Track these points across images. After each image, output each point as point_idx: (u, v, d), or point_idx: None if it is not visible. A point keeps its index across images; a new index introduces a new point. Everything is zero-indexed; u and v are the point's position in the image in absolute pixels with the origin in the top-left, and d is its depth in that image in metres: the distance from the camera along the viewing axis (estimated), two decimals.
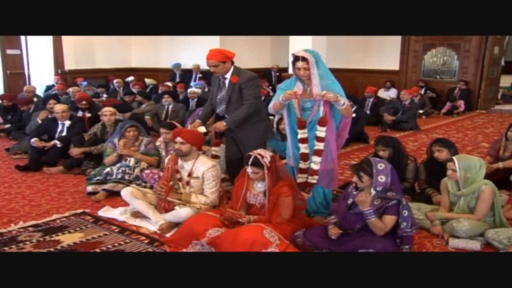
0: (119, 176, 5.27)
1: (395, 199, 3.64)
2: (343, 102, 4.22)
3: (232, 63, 4.82)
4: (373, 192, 3.70)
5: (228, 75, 4.81)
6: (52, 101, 7.78)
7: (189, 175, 4.53)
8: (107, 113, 6.51)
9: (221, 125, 4.84)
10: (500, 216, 4.15)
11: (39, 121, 7.50)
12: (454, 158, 4.18)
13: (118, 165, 5.41)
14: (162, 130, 5.76)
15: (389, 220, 3.66)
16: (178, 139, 4.45)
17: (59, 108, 6.95)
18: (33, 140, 6.58)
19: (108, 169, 5.38)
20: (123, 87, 11.86)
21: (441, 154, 4.70)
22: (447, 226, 4.09)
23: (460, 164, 4.08)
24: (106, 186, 5.23)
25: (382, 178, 3.63)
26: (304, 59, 4.28)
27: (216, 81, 4.98)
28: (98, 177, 5.34)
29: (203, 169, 4.48)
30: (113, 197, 5.15)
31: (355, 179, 3.78)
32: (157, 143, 5.91)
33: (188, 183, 4.53)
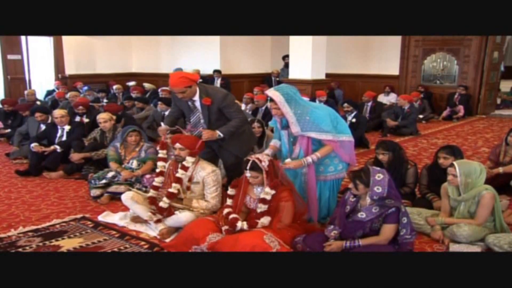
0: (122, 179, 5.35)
1: (394, 207, 3.63)
2: (310, 161, 4.14)
3: (197, 84, 4.69)
4: (368, 200, 3.71)
5: (196, 97, 4.69)
6: (38, 114, 7.46)
7: (189, 180, 4.52)
8: (101, 120, 6.50)
9: (215, 133, 4.63)
10: (501, 221, 4.13)
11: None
12: (455, 163, 4.17)
13: (122, 167, 5.51)
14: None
15: (390, 229, 3.66)
16: (177, 145, 4.44)
17: (58, 113, 6.93)
18: (32, 145, 6.57)
19: (112, 172, 5.41)
20: (123, 92, 11.90)
21: (446, 161, 4.66)
22: (448, 231, 4.08)
23: (461, 169, 4.07)
24: (109, 189, 5.28)
25: (378, 189, 3.62)
26: (272, 99, 4.19)
27: (183, 103, 4.84)
28: (103, 181, 5.35)
29: (203, 174, 4.49)
30: (114, 202, 5.15)
31: (351, 185, 3.78)
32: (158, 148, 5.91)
33: (188, 188, 4.53)
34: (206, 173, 4.49)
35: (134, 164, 5.48)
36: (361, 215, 3.71)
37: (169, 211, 4.35)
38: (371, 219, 3.68)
